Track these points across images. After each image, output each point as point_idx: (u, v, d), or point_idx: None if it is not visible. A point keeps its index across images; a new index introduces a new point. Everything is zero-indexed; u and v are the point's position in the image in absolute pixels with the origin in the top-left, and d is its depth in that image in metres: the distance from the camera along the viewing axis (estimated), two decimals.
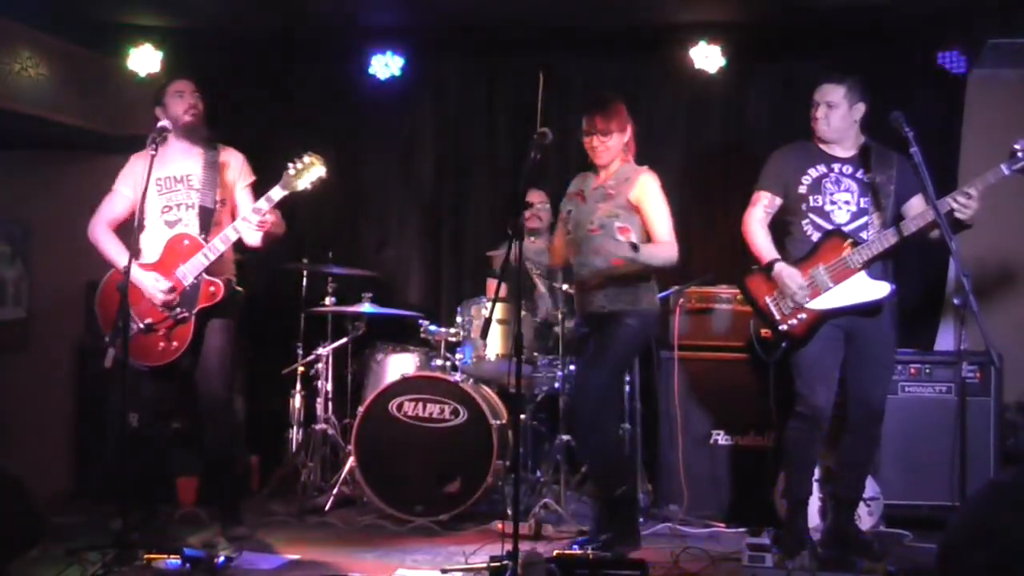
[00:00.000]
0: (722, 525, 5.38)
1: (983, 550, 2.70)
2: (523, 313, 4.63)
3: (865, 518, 5.04)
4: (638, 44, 6.41)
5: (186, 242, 4.87)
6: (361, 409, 5.53)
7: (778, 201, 4.77)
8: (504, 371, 5.29)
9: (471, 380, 5.72)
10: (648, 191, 4.75)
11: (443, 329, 5.82)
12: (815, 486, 4.87)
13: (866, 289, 4.59)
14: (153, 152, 4.67)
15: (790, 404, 4.71)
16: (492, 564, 4.25)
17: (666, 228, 4.76)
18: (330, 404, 6.08)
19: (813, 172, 4.71)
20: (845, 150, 4.72)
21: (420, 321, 5.93)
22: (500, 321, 5.52)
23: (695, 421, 5.59)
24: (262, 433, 6.23)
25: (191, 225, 4.90)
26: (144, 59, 6.34)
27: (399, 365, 5.84)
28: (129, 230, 4.88)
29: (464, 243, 6.80)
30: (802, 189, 4.70)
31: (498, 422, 5.48)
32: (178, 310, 4.84)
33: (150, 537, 4.59)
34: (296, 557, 4.73)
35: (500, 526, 5.04)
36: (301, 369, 6.12)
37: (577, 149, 5.09)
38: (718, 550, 4.81)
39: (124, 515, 4.48)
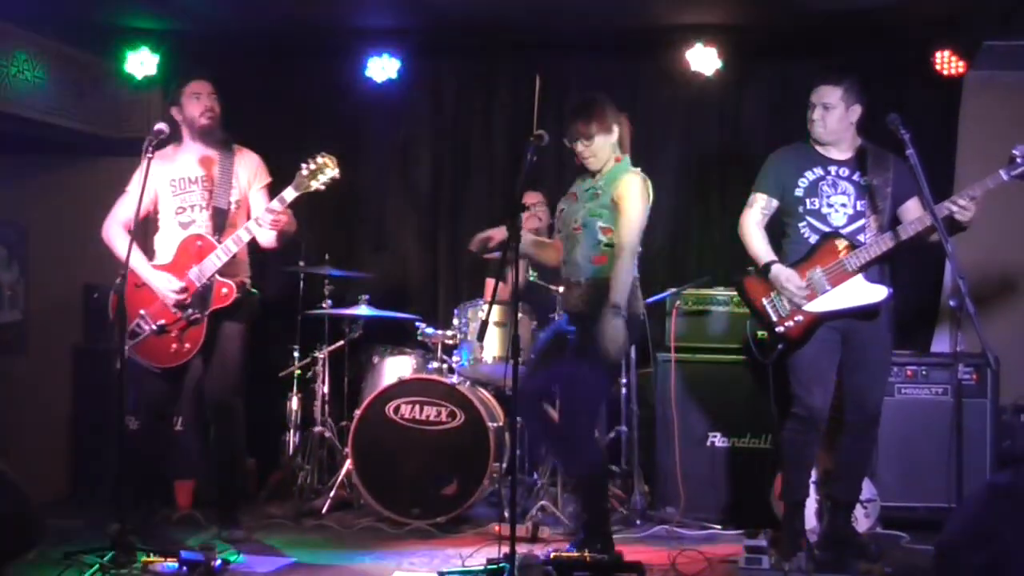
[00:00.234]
0: (719, 527, 5.39)
1: (980, 552, 2.71)
2: (520, 315, 4.62)
3: (862, 520, 5.04)
4: (634, 46, 6.42)
5: (199, 243, 4.87)
6: (358, 412, 5.53)
7: (775, 203, 4.77)
8: (501, 373, 5.29)
9: (468, 382, 5.72)
10: (628, 191, 4.61)
11: (440, 331, 5.82)
12: (812, 488, 4.88)
13: (863, 292, 4.59)
14: (150, 156, 4.65)
15: (787, 406, 4.72)
16: (489, 566, 4.26)
17: (627, 233, 4.57)
18: (327, 407, 6.07)
19: (810, 174, 4.71)
20: (842, 152, 4.73)
21: (417, 323, 5.94)
22: (497, 323, 5.52)
23: (692, 423, 5.59)
24: (259, 436, 6.21)
25: (205, 226, 4.89)
26: (141, 62, 6.34)
27: (396, 367, 5.85)
28: (144, 231, 4.89)
29: (461, 245, 6.76)
30: (799, 191, 4.71)
31: (495, 424, 5.48)
32: (191, 311, 4.83)
33: (147, 540, 4.58)
34: (293, 560, 4.74)
35: (497, 528, 5.04)
36: (298, 372, 6.12)
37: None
38: (715, 552, 4.81)
39: (121, 518, 4.47)
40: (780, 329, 4.65)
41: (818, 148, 4.74)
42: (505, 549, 4.07)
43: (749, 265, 4.80)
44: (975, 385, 5.43)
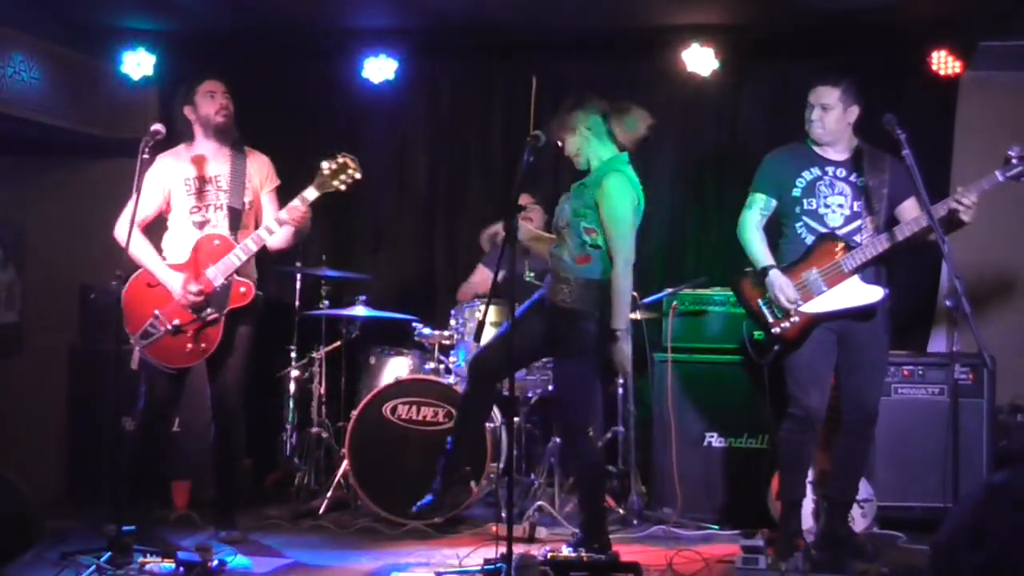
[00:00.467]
0: (716, 527, 5.39)
1: (976, 552, 2.71)
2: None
3: (858, 520, 5.04)
4: (631, 47, 6.41)
5: (216, 242, 4.82)
6: (355, 412, 5.52)
7: (772, 204, 4.77)
8: None
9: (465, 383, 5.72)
10: (607, 195, 4.54)
11: (437, 332, 5.82)
12: (808, 488, 4.88)
13: (859, 293, 4.60)
14: (146, 156, 4.64)
15: (783, 406, 4.72)
16: (486, 567, 4.26)
17: (617, 246, 4.51)
18: (324, 407, 6.07)
19: (807, 175, 4.71)
20: (839, 153, 4.73)
21: (414, 324, 5.94)
22: (493, 324, 5.51)
23: (689, 423, 5.59)
24: (256, 436, 6.20)
25: (220, 226, 4.87)
26: (138, 63, 6.33)
27: (393, 368, 5.85)
28: (156, 231, 4.88)
29: (458, 246, 6.80)
30: (796, 192, 4.71)
31: (492, 425, 5.48)
32: (207, 311, 4.79)
33: (144, 540, 4.57)
34: (290, 560, 4.74)
35: (494, 529, 5.04)
36: (295, 372, 6.12)
37: None
38: (712, 552, 4.82)
39: (118, 519, 4.47)
40: (776, 330, 4.65)
41: (815, 148, 4.74)
42: (502, 549, 4.08)
43: (746, 266, 4.81)
44: (971, 385, 5.44)
